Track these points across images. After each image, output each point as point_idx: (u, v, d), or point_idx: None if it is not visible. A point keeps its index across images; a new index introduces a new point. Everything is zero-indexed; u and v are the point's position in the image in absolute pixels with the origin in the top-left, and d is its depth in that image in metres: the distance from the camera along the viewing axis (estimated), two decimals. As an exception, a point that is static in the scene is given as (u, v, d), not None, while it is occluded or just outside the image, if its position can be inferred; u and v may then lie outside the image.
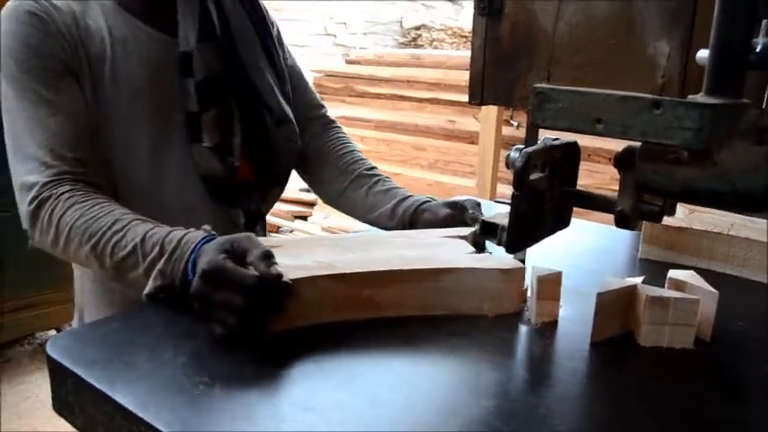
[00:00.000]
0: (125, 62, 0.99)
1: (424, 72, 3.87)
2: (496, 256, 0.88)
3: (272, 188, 1.20)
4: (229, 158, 1.06)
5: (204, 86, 1.03)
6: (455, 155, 3.71)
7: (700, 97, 0.61)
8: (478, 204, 1.06)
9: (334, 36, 6.74)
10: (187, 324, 0.79)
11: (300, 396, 0.65)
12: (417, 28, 7.42)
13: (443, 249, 0.91)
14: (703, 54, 0.64)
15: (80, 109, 0.96)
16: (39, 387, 2.45)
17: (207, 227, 0.85)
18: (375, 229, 1.17)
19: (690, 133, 0.58)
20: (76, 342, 0.76)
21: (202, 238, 0.82)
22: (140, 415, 0.61)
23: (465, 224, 1.02)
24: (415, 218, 1.11)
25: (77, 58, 0.96)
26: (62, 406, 0.72)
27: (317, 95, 1.31)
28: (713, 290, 0.80)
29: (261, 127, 1.11)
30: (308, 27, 6.43)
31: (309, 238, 1.02)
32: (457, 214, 1.05)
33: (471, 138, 3.57)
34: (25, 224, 0.93)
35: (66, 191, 0.90)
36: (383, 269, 0.83)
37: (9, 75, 0.94)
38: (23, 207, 0.92)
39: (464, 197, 1.09)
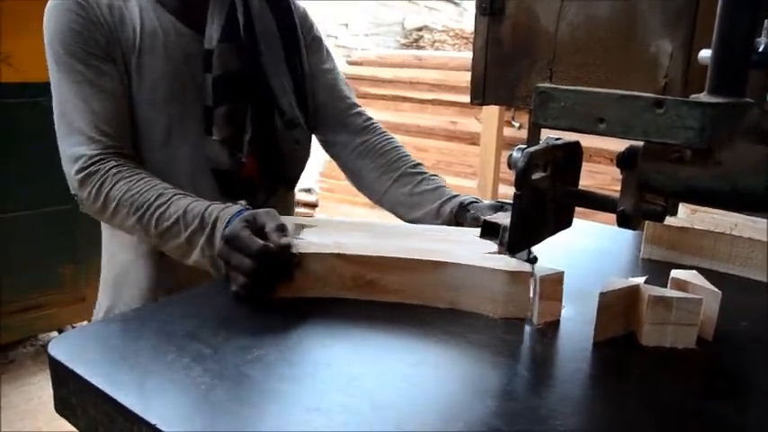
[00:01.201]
0: (151, 53, 1.06)
1: (425, 73, 3.88)
2: (506, 258, 0.87)
3: (278, 188, 1.22)
4: (238, 154, 1.10)
5: (220, 83, 1.08)
6: (457, 156, 3.72)
7: (702, 96, 0.61)
8: None
9: (336, 37, 6.74)
10: (189, 325, 0.79)
11: (303, 396, 0.65)
12: (419, 29, 7.42)
13: (464, 246, 0.92)
14: (706, 54, 0.64)
15: (120, 90, 1.05)
16: (41, 388, 2.46)
17: (242, 201, 0.96)
18: None
19: (692, 132, 0.58)
20: (78, 343, 0.76)
21: (237, 212, 0.92)
22: (143, 416, 0.61)
23: None
24: (460, 217, 1.11)
25: (114, 44, 1.04)
26: (64, 407, 0.72)
27: (353, 96, 1.32)
28: (716, 290, 0.80)
29: (271, 127, 1.15)
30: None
31: (347, 222, 1.06)
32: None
33: (473, 139, 3.57)
34: (73, 190, 1.03)
35: (113, 166, 1.00)
36: (386, 255, 0.86)
37: (57, 58, 1.03)
38: (71, 175, 1.02)
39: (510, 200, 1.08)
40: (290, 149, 1.18)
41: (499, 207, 1.06)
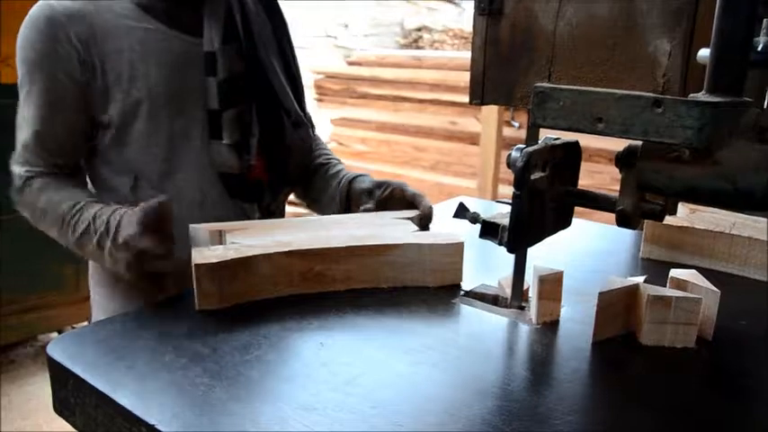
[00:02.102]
0: (142, 61, 1.03)
1: (425, 73, 3.87)
2: (437, 234, 0.96)
3: (283, 187, 1.23)
4: (246, 156, 1.10)
5: (225, 85, 1.07)
6: (457, 156, 3.71)
7: (701, 96, 0.61)
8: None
9: (335, 38, 6.74)
10: (187, 326, 0.79)
11: (301, 396, 0.65)
12: (418, 29, 7.42)
13: (390, 229, 0.98)
14: (704, 53, 0.64)
15: (72, 113, 1.04)
16: (41, 389, 2.46)
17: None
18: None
19: (691, 132, 0.58)
20: (77, 344, 0.76)
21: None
22: (141, 416, 0.61)
23: (394, 200, 1.11)
24: (348, 188, 1.19)
25: (87, 61, 1.01)
26: (63, 407, 0.72)
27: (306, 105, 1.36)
28: (715, 289, 0.80)
29: (278, 128, 1.16)
30: (309, 28, 6.43)
31: (270, 222, 1.08)
32: (379, 190, 1.13)
33: (472, 139, 3.57)
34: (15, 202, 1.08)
35: (42, 180, 1.05)
36: (334, 246, 0.89)
37: (22, 75, 1.04)
38: (13, 189, 1.07)
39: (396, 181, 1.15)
40: (296, 148, 1.19)
41: (380, 184, 1.13)
